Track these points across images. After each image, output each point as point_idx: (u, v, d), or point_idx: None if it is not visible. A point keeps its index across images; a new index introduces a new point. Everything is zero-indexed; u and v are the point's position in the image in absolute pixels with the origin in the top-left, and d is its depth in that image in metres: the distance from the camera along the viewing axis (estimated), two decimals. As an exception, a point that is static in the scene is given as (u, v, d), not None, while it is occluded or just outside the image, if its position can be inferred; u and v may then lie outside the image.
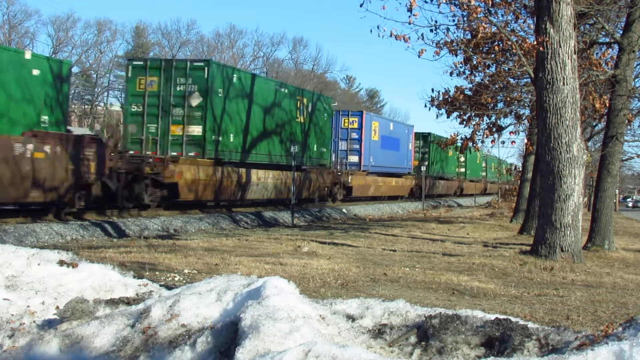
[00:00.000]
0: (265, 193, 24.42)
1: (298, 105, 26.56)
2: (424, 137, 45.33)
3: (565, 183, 11.44)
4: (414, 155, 42.65)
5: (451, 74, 16.67)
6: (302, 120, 26.96)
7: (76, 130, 22.31)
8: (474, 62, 15.42)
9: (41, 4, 78.68)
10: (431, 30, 14.09)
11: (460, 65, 16.06)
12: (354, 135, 33.17)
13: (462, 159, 51.86)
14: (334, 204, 29.83)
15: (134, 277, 6.39)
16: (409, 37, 12.89)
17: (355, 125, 33.26)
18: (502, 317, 4.48)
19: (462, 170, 53.64)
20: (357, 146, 33.17)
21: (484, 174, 63.51)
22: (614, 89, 14.45)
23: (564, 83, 11.39)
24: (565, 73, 11.40)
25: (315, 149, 28.40)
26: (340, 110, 35.22)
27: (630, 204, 76.47)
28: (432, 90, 20.05)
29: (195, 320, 4.69)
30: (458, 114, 17.82)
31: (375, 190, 35.22)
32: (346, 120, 33.38)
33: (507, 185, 64.41)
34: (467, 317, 4.50)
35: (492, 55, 15.54)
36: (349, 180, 31.17)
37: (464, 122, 17.88)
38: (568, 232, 11.48)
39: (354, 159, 33.00)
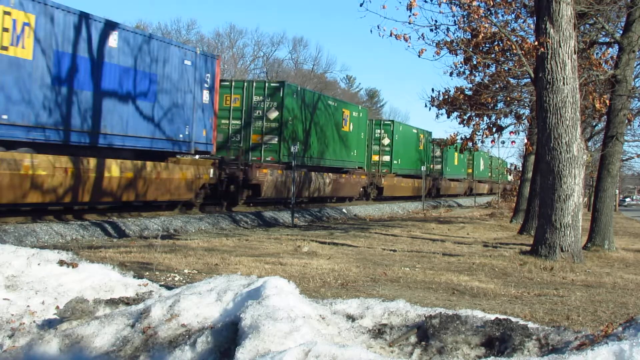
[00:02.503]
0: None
1: None
2: (272, 91, 23.36)
3: (565, 183, 11.44)
4: (216, 119, 20.01)
5: (451, 74, 16.71)
6: None
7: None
8: (474, 62, 15.44)
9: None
10: (431, 30, 14.13)
11: (460, 65, 16.08)
12: None
13: (386, 141, 33.56)
14: None
15: (134, 277, 6.39)
16: (409, 37, 12.91)
17: None
18: (502, 317, 4.49)
19: (386, 159, 33.95)
20: None
21: (438, 167, 41.86)
22: (614, 89, 14.46)
23: (564, 83, 11.39)
24: (565, 73, 11.40)
25: None
26: None
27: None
28: (432, 90, 20.11)
29: (195, 320, 4.69)
30: (458, 114, 17.84)
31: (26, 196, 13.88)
32: None
33: (488, 184, 47.82)
34: (467, 317, 4.51)
35: (492, 55, 15.55)
36: None
37: (464, 122, 17.90)
38: (568, 232, 11.47)
39: None
